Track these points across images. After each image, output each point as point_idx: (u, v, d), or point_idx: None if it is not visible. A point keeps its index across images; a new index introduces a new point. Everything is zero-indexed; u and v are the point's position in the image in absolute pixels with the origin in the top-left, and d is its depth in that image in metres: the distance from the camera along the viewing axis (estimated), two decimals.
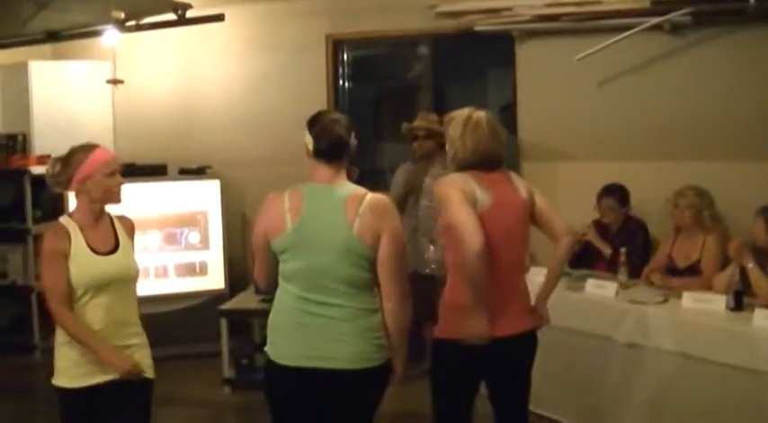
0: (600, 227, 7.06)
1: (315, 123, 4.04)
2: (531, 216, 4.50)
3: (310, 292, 3.92)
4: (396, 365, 4.13)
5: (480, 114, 4.45)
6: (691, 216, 6.46)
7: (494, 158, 4.41)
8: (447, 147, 4.52)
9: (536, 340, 4.54)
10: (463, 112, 4.50)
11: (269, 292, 4.21)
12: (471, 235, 4.07)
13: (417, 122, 7.38)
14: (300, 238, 3.89)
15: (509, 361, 4.42)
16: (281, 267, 4.00)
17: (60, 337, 4.24)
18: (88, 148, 4.30)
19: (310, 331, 3.92)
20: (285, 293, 4.00)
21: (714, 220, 6.54)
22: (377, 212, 3.93)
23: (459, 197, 4.19)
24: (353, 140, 4.09)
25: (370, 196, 3.97)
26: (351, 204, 3.92)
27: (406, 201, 7.29)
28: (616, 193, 7.04)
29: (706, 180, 6.65)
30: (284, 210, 3.92)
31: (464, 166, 4.40)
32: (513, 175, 4.51)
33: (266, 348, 4.09)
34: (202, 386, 7.46)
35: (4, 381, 7.87)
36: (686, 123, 7.33)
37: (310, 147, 4.01)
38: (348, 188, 4.01)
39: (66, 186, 4.28)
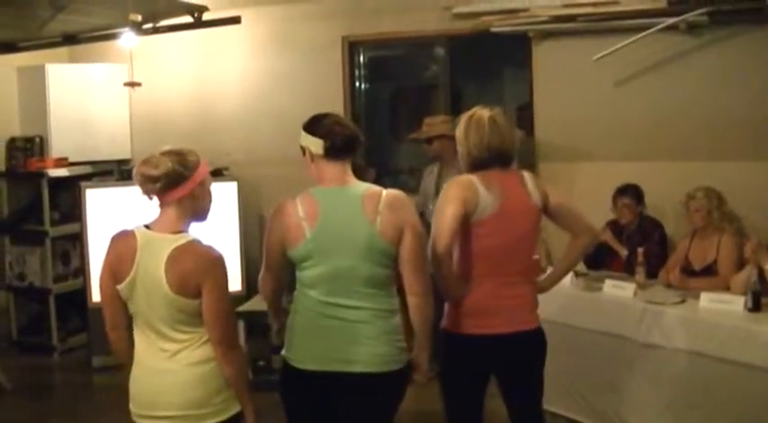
0: (615, 227, 7.05)
1: (318, 124, 3.99)
2: (549, 216, 4.51)
3: (332, 295, 3.89)
4: (421, 361, 4.12)
5: (483, 112, 4.43)
6: (702, 218, 6.44)
7: (500, 154, 4.37)
8: (457, 148, 4.53)
9: (540, 339, 4.53)
10: (467, 113, 4.50)
11: (274, 301, 4.20)
12: (436, 238, 4.16)
13: (425, 129, 7.39)
14: (321, 244, 3.84)
15: (512, 358, 4.43)
16: (301, 275, 3.95)
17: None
18: (195, 152, 3.76)
19: (332, 335, 3.89)
20: (306, 298, 3.95)
21: (728, 220, 6.51)
22: (396, 208, 3.90)
23: (454, 201, 4.23)
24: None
25: (386, 192, 3.95)
26: (369, 202, 3.89)
27: None
28: (632, 191, 7.04)
29: (724, 180, 6.63)
30: (299, 218, 3.86)
31: (474, 165, 4.40)
32: (528, 177, 4.47)
33: (284, 354, 4.05)
34: None
35: (22, 381, 7.90)
36: (703, 123, 7.33)
37: (317, 148, 3.95)
38: (362, 186, 3.98)
39: (171, 188, 3.65)
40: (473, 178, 4.32)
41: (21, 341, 9.10)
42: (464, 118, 4.49)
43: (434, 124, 7.37)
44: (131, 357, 3.91)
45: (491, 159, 4.36)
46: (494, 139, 4.36)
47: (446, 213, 4.20)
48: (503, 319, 4.35)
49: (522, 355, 4.46)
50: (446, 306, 4.45)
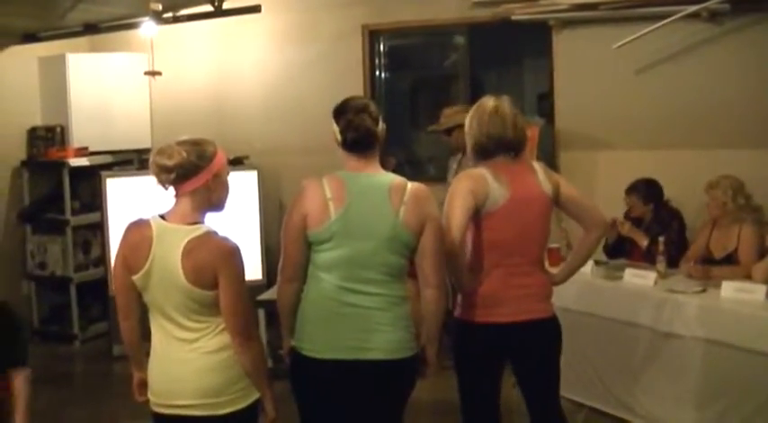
0: (635, 218, 7.01)
1: (341, 114, 4.00)
2: (561, 208, 4.51)
3: (348, 281, 3.88)
4: (429, 355, 4.13)
5: (489, 101, 4.44)
6: (723, 207, 6.38)
7: (503, 142, 4.36)
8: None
9: (553, 328, 4.51)
10: (478, 103, 4.51)
11: (293, 312, 4.07)
12: (449, 232, 4.15)
13: (442, 120, 7.33)
14: (345, 227, 3.84)
15: (523, 346, 4.43)
16: (318, 257, 3.93)
17: None
18: (213, 143, 3.74)
19: (348, 322, 3.89)
20: (321, 284, 3.93)
21: (749, 209, 6.47)
22: (421, 200, 3.92)
23: (463, 194, 4.24)
24: (382, 127, 4.06)
25: (412, 184, 3.96)
26: (395, 192, 3.90)
27: None
28: (640, 190, 6.96)
29: (744, 168, 6.60)
30: (326, 198, 3.86)
31: (478, 153, 4.42)
32: (539, 167, 4.47)
33: (296, 343, 4.02)
34: None
35: (43, 370, 7.92)
36: (725, 111, 7.30)
37: (338, 137, 3.99)
38: (388, 176, 4.00)
39: (186, 179, 3.64)
40: (483, 170, 4.33)
41: (42, 330, 9.15)
42: (471, 110, 4.52)
43: (451, 115, 7.28)
44: (139, 349, 3.97)
45: (494, 147, 4.36)
46: (493, 127, 4.35)
47: (456, 207, 4.22)
48: (512, 307, 4.35)
49: (533, 344, 4.45)
50: (459, 295, 4.47)
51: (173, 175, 3.62)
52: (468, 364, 4.49)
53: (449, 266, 4.16)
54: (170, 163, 3.61)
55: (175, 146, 3.64)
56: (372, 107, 4.05)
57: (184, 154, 3.61)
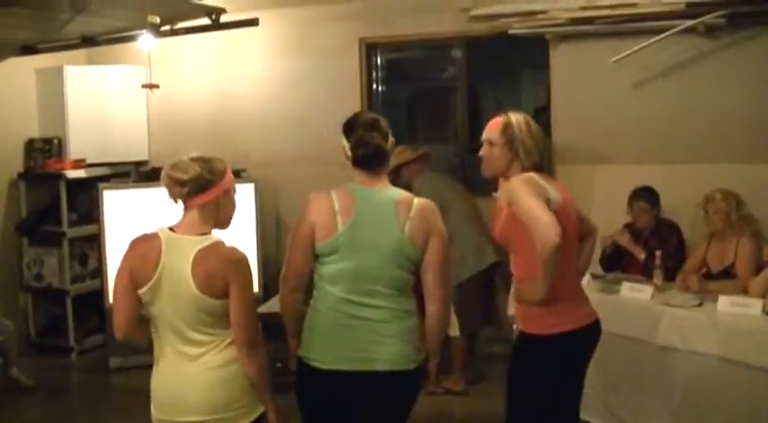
0: (632, 230, 7.01)
1: (351, 131, 4.04)
2: None
3: (353, 293, 3.92)
4: (431, 368, 4.18)
5: (519, 116, 4.36)
6: (721, 220, 6.40)
7: (544, 152, 4.37)
8: (505, 152, 4.32)
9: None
10: (513, 116, 4.36)
11: (294, 293, 4.10)
12: (548, 227, 3.91)
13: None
14: (352, 239, 3.89)
15: (588, 349, 4.43)
16: (324, 269, 3.98)
17: None
18: (222, 160, 3.82)
19: (353, 334, 3.93)
20: (326, 295, 3.98)
21: (746, 221, 6.47)
22: (426, 215, 3.97)
23: (530, 192, 4.07)
24: (391, 141, 4.10)
25: (418, 200, 4.01)
26: (401, 207, 3.95)
27: None
28: (647, 195, 6.98)
29: (741, 182, 6.60)
30: (334, 210, 3.91)
31: (531, 168, 4.29)
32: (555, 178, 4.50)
33: (302, 353, 4.06)
34: None
35: (40, 382, 7.91)
36: (721, 125, 7.30)
37: (348, 153, 4.04)
38: (395, 191, 4.05)
39: (198, 193, 3.71)
40: (533, 174, 4.25)
41: (38, 342, 9.13)
42: (518, 121, 4.34)
43: (398, 154, 7.46)
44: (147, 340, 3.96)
45: (541, 159, 4.33)
46: (539, 139, 4.35)
47: (534, 204, 4.00)
48: (587, 309, 4.39)
49: (593, 345, 4.45)
50: (529, 311, 4.27)
51: (186, 189, 3.69)
52: (552, 381, 4.31)
53: (545, 272, 3.98)
54: (185, 177, 3.67)
55: (189, 161, 3.71)
56: (382, 123, 4.09)
57: (198, 169, 3.69)
